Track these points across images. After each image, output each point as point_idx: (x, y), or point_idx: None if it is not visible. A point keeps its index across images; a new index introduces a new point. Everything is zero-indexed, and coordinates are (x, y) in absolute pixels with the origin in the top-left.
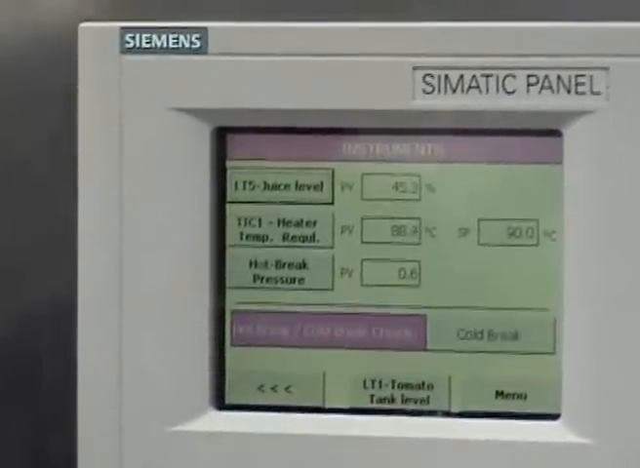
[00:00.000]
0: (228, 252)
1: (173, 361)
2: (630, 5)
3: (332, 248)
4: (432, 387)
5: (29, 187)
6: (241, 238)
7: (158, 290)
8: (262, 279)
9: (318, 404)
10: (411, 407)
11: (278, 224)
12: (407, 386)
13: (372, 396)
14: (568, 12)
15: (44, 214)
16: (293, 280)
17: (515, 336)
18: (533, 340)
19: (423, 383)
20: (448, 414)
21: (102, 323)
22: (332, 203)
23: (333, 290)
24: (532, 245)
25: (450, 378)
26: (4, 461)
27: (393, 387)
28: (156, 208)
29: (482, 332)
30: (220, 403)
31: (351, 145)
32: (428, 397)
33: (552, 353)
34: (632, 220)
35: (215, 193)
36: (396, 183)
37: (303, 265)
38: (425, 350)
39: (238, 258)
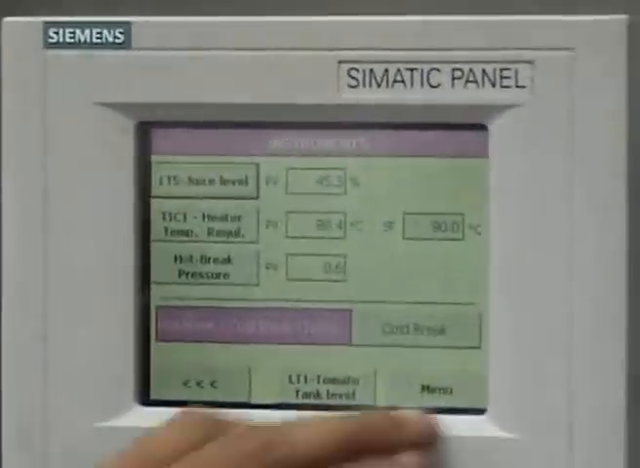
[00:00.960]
0: (153, 246)
1: (98, 356)
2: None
3: (257, 243)
4: (358, 382)
5: None
6: (166, 233)
7: (83, 285)
8: (188, 274)
9: (244, 399)
10: (336, 401)
11: (203, 219)
12: (333, 381)
13: (297, 391)
14: (494, 5)
15: None
16: (218, 275)
17: (441, 331)
18: (459, 335)
19: (349, 378)
20: (373, 409)
21: (27, 318)
22: (257, 197)
23: (258, 285)
24: (457, 239)
25: (375, 373)
26: None
27: (319, 382)
28: (81, 203)
29: (408, 327)
30: (146, 398)
31: (276, 140)
32: (354, 391)
33: (478, 347)
34: (556, 214)
35: (139, 188)
36: (321, 177)
37: (228, 260)
38: (351, 345)
39: (163, 253)
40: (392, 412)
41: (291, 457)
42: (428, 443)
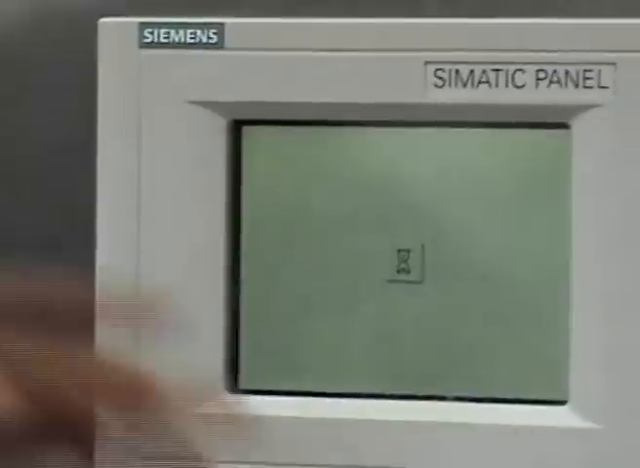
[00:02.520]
0: (243, 242)
1: (188, 348)
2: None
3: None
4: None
5: (51, 176)
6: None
7: (174, 280)
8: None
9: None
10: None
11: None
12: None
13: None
14: (578, 8)
15: (64, 203)
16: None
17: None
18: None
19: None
20: (458, 399)
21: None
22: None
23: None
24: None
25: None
26: None
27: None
28: (174, 199)
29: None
30: (235, 387)
31: (363, 138)
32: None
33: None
34: (639, 214)
35: (231, 185)
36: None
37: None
38: None
39: (254, 248)
40: None
41: None
42: None
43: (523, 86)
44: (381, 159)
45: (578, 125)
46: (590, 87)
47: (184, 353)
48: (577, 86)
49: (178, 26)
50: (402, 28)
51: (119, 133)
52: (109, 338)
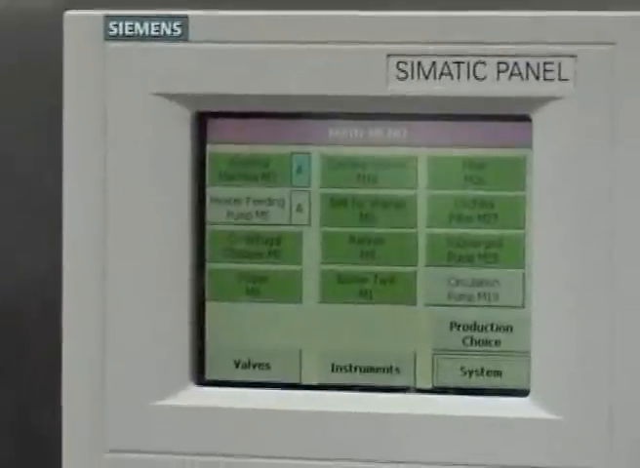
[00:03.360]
0: (208, 230)
1: (155, 340)
2: None
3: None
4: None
5: (15, 167)
6: (220, 217)
7: (141, 269)
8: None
9: (295, 380)
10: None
11: (254, 204)
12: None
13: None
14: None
15: (28, 191)
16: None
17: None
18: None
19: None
20: (420, 391)
21: (88, 303)
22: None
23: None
24: (497, 227)
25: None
26: None
27: (358, 366)
28: (139, 189)
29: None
30: (201, 379)
31: (324, 130)
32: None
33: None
34: (597, 204)
35: (195, 175)
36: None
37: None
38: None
39: (218, 237)
40: None
41: None
42: None
43: (484, 78)
44: (345, 153)
45: (538, 117)
46: (551, 79)
47: (153, 347)
48: (537, 78)
49: (142, 19)
50: (365, 21)
51: (84, 124)
52: (76, 330)
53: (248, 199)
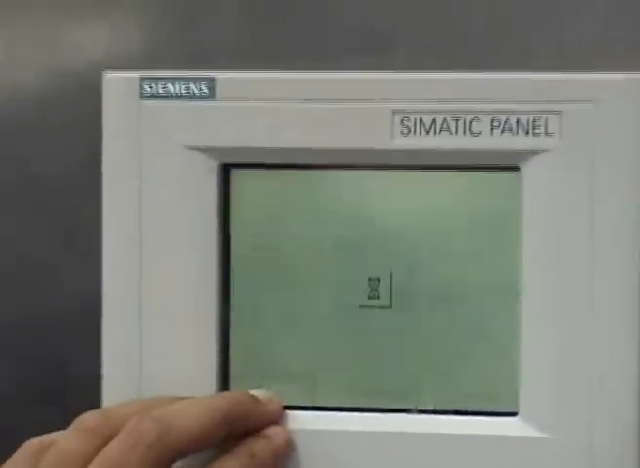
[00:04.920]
0: (233, 265)
1: (184, 360)
2: (578, 57)
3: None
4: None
5: (65, 207)
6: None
7: (173, 302)
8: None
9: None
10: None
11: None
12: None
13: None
14: (528, 62)
15: (73, 227)
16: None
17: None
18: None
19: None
20: (422, 412)
21: (125, 329)
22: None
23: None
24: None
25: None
26: None
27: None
28: (171, 233)
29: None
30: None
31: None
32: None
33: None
34: (579, 243)
35: (221, 220)
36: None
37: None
38: None
39: (243, 273)
40: (251, 391)
41: (165, 441)
42: (279, 418)
43: (479, 133)
44: (355, 199)
45: (527, 168)
46: (539, 133)
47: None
48: (527, 133)
49: (174, 80)
50: (372, 82)
51: (122, 175)
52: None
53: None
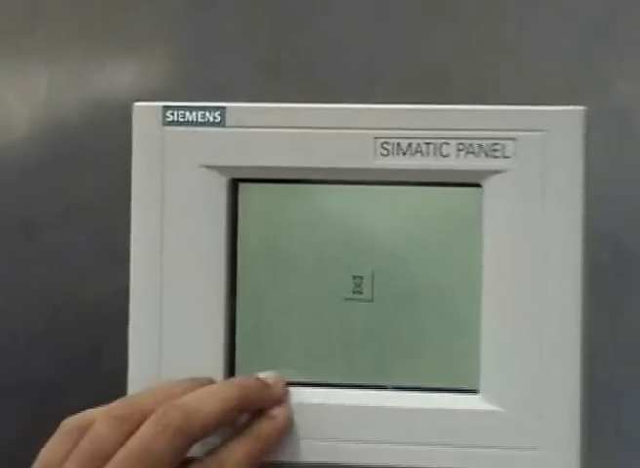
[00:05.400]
0: (239, 269)
1: (198, 345)
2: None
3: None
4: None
5: (99, 218)
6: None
7: (189, 299)
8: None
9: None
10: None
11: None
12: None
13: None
14: (488, 96)
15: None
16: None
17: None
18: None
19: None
20: (397, 388)
21: (147, 318)
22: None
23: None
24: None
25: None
26: None
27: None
28: (188, 240)
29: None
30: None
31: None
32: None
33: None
34: (533, 251)
35: (230, 226)
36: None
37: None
38: None
39: (249, 280)
40: (258, 375)
41: (190, 426)
42: (284, 399)
43: (447, 155)
44: (343, 210)
45: (487, 185)
46: (497, 156)
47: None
48: (487, 155)
49: (191, 109)
50: (358, 112)
51: (147, 189)
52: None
53: (269, 239)
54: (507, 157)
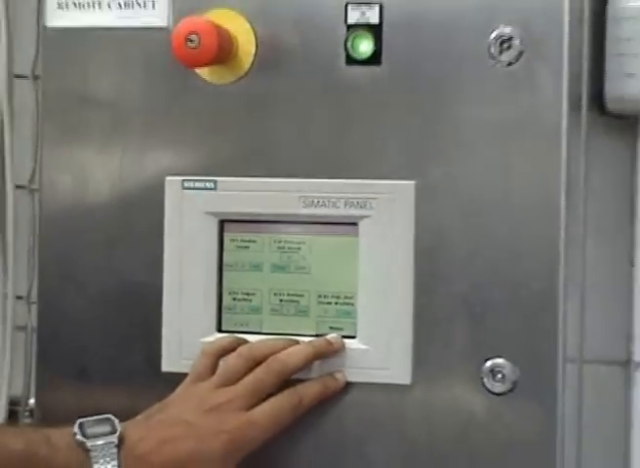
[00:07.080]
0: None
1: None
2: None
3: None
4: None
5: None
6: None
7: (192, 289)
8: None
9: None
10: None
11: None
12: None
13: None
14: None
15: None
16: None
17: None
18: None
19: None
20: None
21: (170, 295)
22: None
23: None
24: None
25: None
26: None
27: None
28: (198, 254)
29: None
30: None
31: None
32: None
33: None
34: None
35: (219, 246)
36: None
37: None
38: None
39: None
40: (328, 336)
41: (284, 372)
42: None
43: (338, 207)
44: (280, 245)
45: (362, 225)
46: (366, 207)
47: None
48: (361, 207)
49: (197, 181)
50: (288, 182)
51: (173, 227)
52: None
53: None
54: (372, 207)
